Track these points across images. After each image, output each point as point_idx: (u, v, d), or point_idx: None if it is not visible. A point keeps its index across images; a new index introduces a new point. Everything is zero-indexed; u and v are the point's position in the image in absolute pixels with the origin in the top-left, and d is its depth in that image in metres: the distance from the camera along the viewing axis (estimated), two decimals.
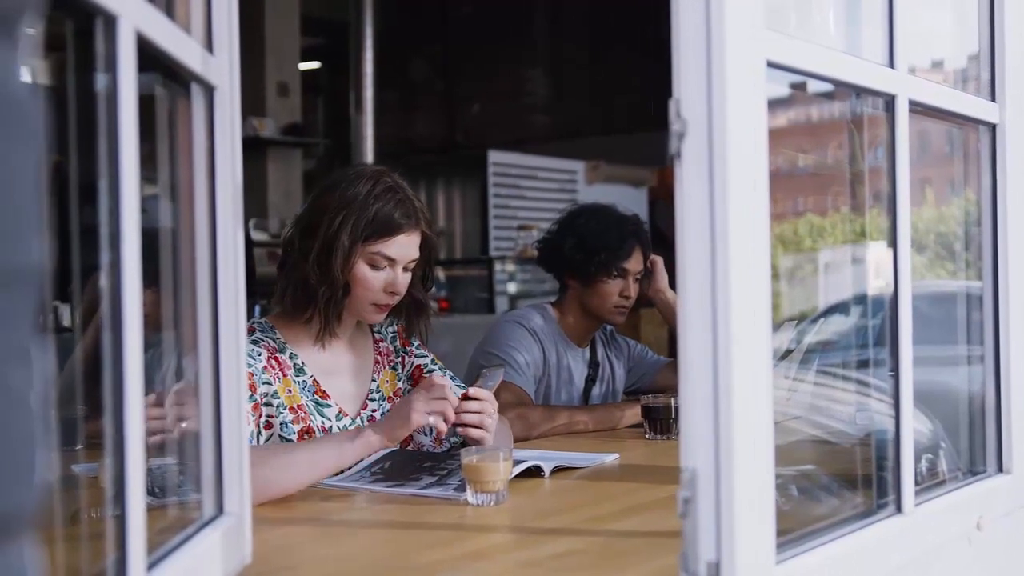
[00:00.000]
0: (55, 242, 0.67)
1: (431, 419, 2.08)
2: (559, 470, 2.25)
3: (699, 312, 1.20)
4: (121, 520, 1.03)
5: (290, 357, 2.30)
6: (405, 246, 2.29)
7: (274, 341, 2.29)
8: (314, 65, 10.36)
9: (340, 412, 2.32)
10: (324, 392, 2.31)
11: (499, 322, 3.18)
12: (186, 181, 1.38)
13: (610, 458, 2.42)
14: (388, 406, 2.39)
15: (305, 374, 2.30)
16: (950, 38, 2.13)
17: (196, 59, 1.32)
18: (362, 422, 2.34)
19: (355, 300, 2.30)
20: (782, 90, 1.48)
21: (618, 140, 9.15)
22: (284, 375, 2.26)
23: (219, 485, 1.41)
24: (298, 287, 2.28)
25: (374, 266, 2.27)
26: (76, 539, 1.27)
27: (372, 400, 2.40)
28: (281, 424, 2.22)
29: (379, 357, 2.46)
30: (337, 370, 2.36)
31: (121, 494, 1.03)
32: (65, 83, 1.05)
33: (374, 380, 2.42)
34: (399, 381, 2.47)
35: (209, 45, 1.39)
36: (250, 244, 4.97)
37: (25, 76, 0.58)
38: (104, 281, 1.03)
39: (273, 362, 2.24)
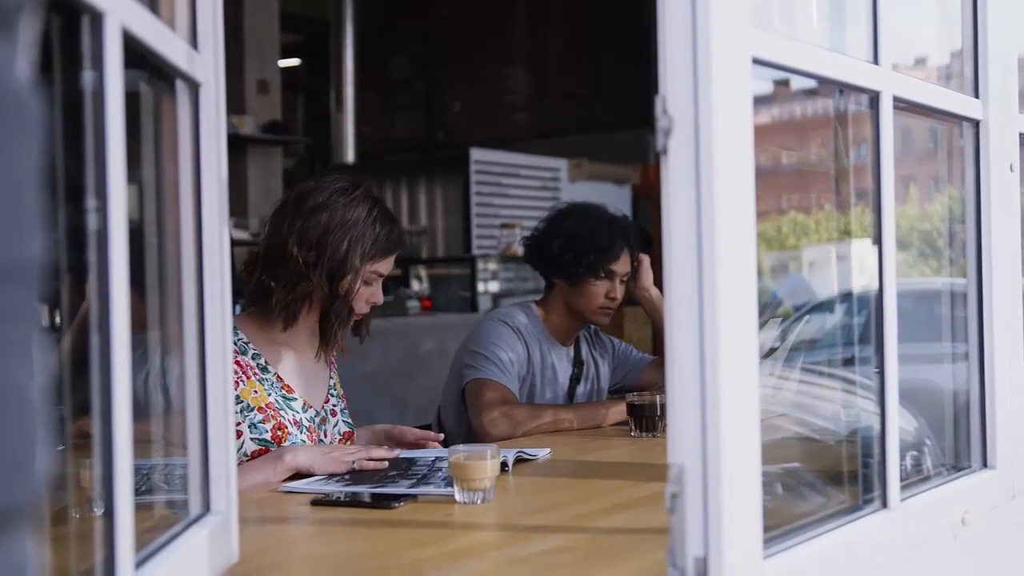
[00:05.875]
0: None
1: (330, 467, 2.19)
2: (520, 461, 2.32)
3: (686, 308, 1.20)
4: (109, 519, 1.02)
5: (252, 357, 2.38)
6: (393, 262, 2.46)
7: (235, 343, 2.33)
8: (294, 62, 10.34)
9: (305, 404, 2.43)
10: (289, 387, 2.41)
11: (483, 320, 3.18)
12: (171, 179, 1.37)
13: (543, 452, 2.46)
14: (343, 404, 2.56)
15: (269, 372, 2.39)
16: (933, 34, 2.14)
17: (181, 56, 1.31)
18: (325, 413, 2.48)
19: None
20: (765, 87, 1.49)
21: (601, 138, 9.17)
22: (248, 376, 2.34)
23: (206, 484, 1.40)
24: (301, 300, 2.36)
25: (367, 283, 2.40)
26: (60, 538, 1.26)
27: (332, 395, 2.54)
28: (250, 426, 2.30)
29: (332, 359, 2.58)
30: (299, 368, 2.46)
31: (109, 493, 1.02)
32: (49, 79, 1.04)
33: (331, 378, 2.56)
34: (341, 386, 2.61)
35: (194, 42, 1.38)
36: (230, 243, 5.02)
37: (24, 72, 0.58)
38: (91, 281, 1.03)
39: (235, 366, 2.28)
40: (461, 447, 2.01)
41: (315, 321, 2.42)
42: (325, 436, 2.45)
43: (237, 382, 2.28)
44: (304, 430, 2.37)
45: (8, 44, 0.56)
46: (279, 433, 2.31)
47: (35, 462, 0.59)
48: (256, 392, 2.33)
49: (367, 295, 2.41)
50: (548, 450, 2.48)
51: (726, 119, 1.21)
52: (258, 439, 2.29)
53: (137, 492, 1.13)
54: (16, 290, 0.57)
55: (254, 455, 2.27)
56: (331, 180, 2.41)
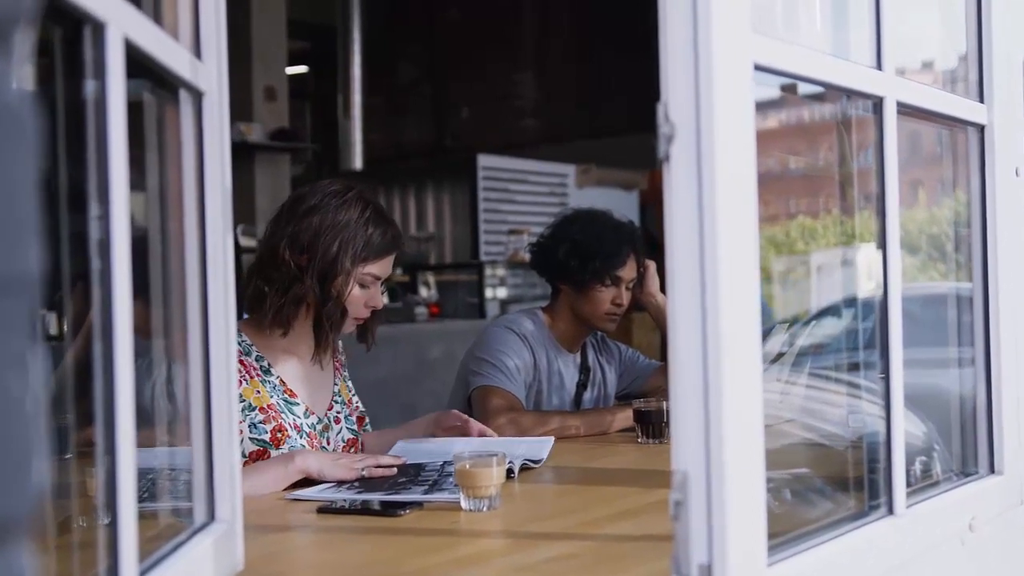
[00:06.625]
0: (45, 249, 0.67)
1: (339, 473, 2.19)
2: (524, 469, 2.31)
3: (689, 314, 1.20)
4: (113, 527, 1.03)
5: (256, 360, 2.38)
6: (390, 265, 2.44)
7: (239, 345, 2.34)
8: (301, 69, 10.35)
9: (307, 410, 2.42)
10: (292, 391, 2.41)
11: (489, 327, 3.17)
12: (175, 188, 1.38)
13: (548, 443, 2.48)
14: (348, 410, 2.54)
15: (272, 375, 2.39)
16: (939, 39, 2.14)
17: (184, 65, 1.31)
18: (329, 421, 2.48)
19: None
20: (773, 92, 1.49)
21: (608, 143, 9.15)
22: (252, 377, 2.35)
23: (210, 492, 1.40)
24: (294, 304, 2.35)
25: (363, 285, 2.39)
26: (66, 546, 1.27)
27: (336, 403, 2.53)
28: (251, 426, 2.30)
29: (337, 365, 2.58)
30: (302, 374, 2.46)
31: (113, 502, 1.03)
32: (52, 89, 1.04)
33: (335, 384, 2.55)
34: (349, 392, 2.60)
35: (197, 51, 1.39)
36: (238, 251, 5.04)
37: (20, 84, 0.59)
38: (94, 289, 1.03)
39: (239, 365, 2.28)
40: (467, 454, 2.01)
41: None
42: (328, 443, 2.45)
43: (240, 381, 2.28)
44: (304, 435, 2.37)
45: (4, 57, 0.56)
46: (278, 435, 2.31)
47: (31, 473, 0.59)
48: (259, 392, 2.33)
49: (365, 298, 2.40)
50: (551, 440, 2.50)
51: (728, 125, 1.21)
52: (257, 439, 2.29)
53: (141, 499, 1.13)
54: (12, 302, 0.57)
55: (252, 456, 2.27)
56: (325, 184, 2.43)
